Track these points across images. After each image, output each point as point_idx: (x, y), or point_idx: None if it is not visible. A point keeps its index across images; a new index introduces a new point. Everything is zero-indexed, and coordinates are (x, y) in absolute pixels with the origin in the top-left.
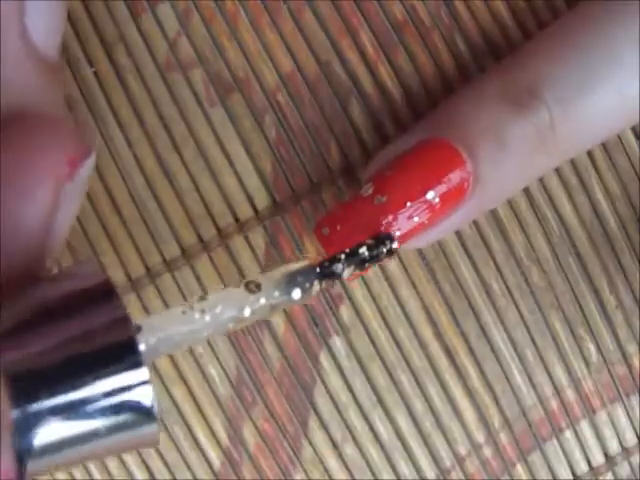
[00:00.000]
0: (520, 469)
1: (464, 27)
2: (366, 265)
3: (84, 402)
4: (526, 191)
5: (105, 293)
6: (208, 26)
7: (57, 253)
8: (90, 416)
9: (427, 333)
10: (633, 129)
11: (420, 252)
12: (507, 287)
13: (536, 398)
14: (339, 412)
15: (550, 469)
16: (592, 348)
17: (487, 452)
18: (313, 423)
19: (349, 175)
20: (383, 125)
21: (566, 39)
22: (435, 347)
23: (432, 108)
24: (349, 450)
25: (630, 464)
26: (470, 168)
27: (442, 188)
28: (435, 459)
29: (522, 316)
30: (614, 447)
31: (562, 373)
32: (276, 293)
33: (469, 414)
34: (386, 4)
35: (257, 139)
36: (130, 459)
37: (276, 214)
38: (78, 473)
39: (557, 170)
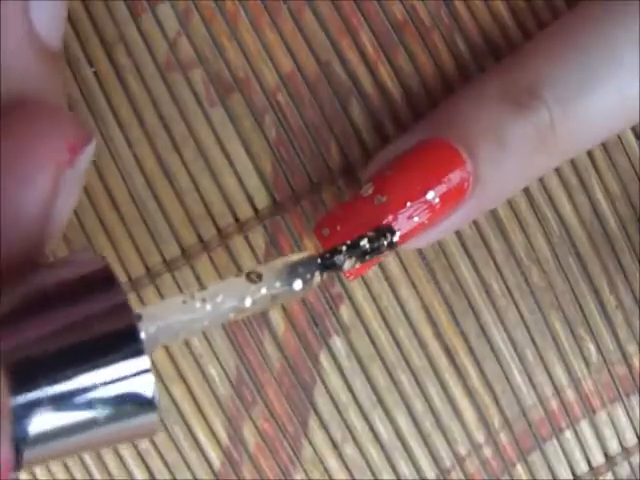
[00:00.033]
0: (520, 469)
1: (464, 27)
2: (367, 257)
3: (84, 390)
4: (526, 191)
5: (105, 280)
6: (208, 26)
7: (55, 242)
8: (89, 404)
9: (427, 333)
10: (633, 129)
11: (420, 252)
12: (507, 287)
13: (536, 398)
14: (339, 412)
15: (550, 469)
16: (592, 348)
17: (487, 452)
18: (313, 423)
19: (349, 175)
20: (383, 125)
21: (566, 39)
22: (435, 347)
23: (432, 108)
24: (349, 450)
25: (630, 464)
26: (470, 168)
27: (442, 188)
28: (435, 459)
29: (522, 316)
30: (614, 447)
31: (562, 373)
32: (277, 283)
33: (469, 414)
34: (386, 4)
35: (257, 139)
36: (130, 459)
37: (276, 214)
38: (78, 473)
39: (557, 170)
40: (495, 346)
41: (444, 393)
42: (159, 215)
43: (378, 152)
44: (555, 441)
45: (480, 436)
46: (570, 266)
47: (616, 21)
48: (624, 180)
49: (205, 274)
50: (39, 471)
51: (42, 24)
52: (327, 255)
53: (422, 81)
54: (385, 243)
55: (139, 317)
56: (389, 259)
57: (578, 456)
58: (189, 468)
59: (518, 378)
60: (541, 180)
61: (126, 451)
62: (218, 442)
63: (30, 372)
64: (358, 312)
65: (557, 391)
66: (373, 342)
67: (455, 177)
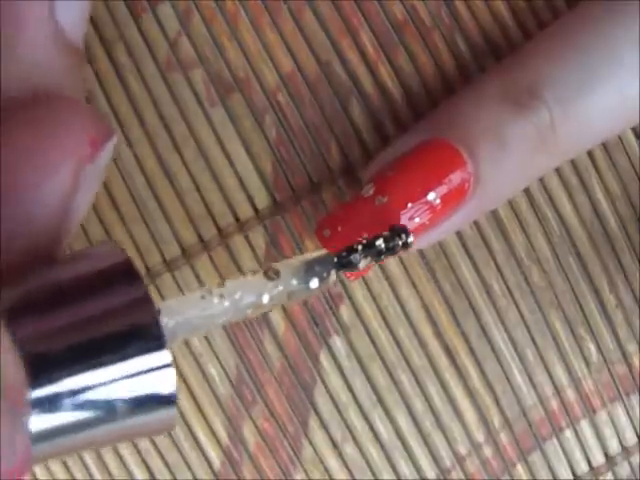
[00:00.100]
0: (520, 469)
1: (464, 27)
2: (382, 257)
3: (103, 384)
4: (526, 191)
5: (125, 273)
6: (208, 26)
7: (71, 237)
8: (108, 399)
9: (427, 333)
10: (633, 129)
11: (420, 252)
12: (507, 287)
13: (536, 398)
14: (339, 412)
15: (550, 469)
16: (592, 348)
17: (487, 452)
18: (313, 423)
19: (349, 175)
20: (383, 125)
21: (566, 39)
22: (435, 347)
23: (432, 108)
24: (349, 450)
25: (630, 464)
26: (471, 168)
27: (443, 189)
28: (435, 459)
29: (522, 316)
30: (614, 447)
31: (562, 373)
32: (294, 281)
33: (469, 414)
34: (386, 4)
35: (257, 139)
36: (130, 459)
37: (276, 214)
38: (78, 473)
39: (557, 170)
40: (495, 346)
41: (444, 393)
42: (159, 215)
43: (378, 152)
44: (555, 441)
45: (480, 436)
46: (570, 266)
47: (616, 21)
48: (624, 180)
49: (205, 274)
50: (39, 471)
51: (67, 24)
52: (343, 254)
53: (422, 81)
54: (400, 243)
55: (158, 311)
56: (389, 259)
57: (578, 456)
58: (189, 468)
59: (518, 378)
60: (541, 180)
61: (126, 451)
62: (218, 442)
63: (49, 364)
64: (358, 312)
65: (557, 391)
66: (373, 342)
67: (456, 178)
